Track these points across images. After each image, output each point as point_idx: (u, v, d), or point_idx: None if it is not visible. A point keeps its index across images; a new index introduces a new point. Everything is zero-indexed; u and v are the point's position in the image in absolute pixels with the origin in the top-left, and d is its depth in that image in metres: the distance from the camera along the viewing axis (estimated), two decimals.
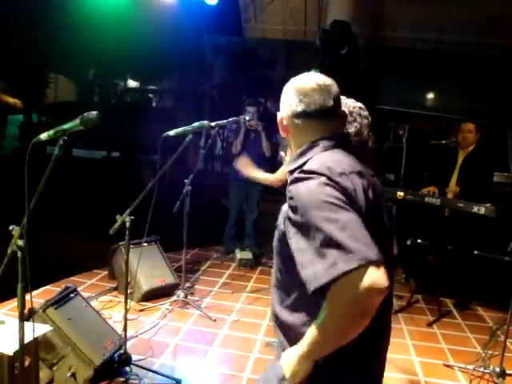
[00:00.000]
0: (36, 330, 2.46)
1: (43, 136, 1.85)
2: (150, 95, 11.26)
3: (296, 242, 1.26)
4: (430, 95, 7.61)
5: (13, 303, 3.61)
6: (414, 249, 4.94)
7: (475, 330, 4.14)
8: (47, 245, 4.94)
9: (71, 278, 4.46)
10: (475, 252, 4.55)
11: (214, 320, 3.88)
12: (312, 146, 1.43)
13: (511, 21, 6.33)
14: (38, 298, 3.77)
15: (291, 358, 1.34)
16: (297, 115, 1.45)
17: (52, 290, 4.03)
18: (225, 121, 3.67)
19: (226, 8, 6.64)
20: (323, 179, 1.27)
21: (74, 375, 2.80)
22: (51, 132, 1.82)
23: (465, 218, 4.22)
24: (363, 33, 6.35)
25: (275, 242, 1.46)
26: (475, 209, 3.94)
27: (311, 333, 1.27)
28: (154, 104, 11.38)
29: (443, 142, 4.58)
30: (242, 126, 5.16)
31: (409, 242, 4.97)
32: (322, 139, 1.43)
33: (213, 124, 3.62)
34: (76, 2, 7.13)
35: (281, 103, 1.51)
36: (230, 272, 5.07)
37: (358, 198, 1.30)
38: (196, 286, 4.61)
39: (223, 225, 5.56)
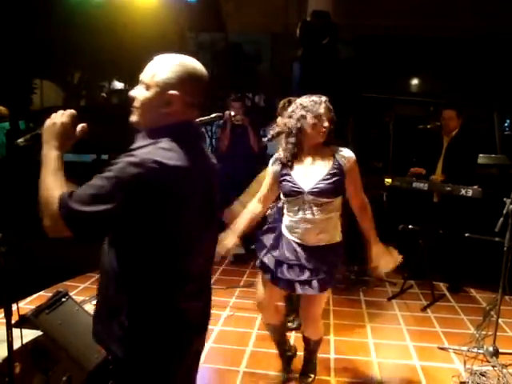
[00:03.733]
0: (27, 336, 2.47)
1: (20, 141, 1.83)
2: None
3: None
4: (415, 81, 7.63)
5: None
6: (405, 234, 4.95)
7: (469, 311, 4.18)
8: (40, 250, 4.92)
9: (65, 283, 4.45)
10: (466, 234, 4.58)
11: None
12: (163, 130, 1.50)
13: (492, 4, 6.35)
14: (31, 304, 3.77)
15: None
16: (170, 88, 1.50)
17: (46, 295, 4.00)
18: (208, 117, 3.64)
19: (206, 3, 6.63)
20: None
21: (69, 379, 2.80)
22: (28, 136, 1.80)
23: (454, 202, 4.25)
24: (346, 22, 6.34)
25: None
26: (463, 191, 3.97)
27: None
28: None
29: (428, 126, 4.61)
30: (228, 122, 5.15)
31: (400, 228, 4.98)
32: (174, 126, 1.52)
33: (197, 120, 3.61)
34: (56, 6, 7.08)
35: (154, 71, 1.53)
36: (224, 268, 5.07)
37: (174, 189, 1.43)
38: None
39: None
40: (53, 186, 1.46)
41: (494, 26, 6.60)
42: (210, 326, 3.73)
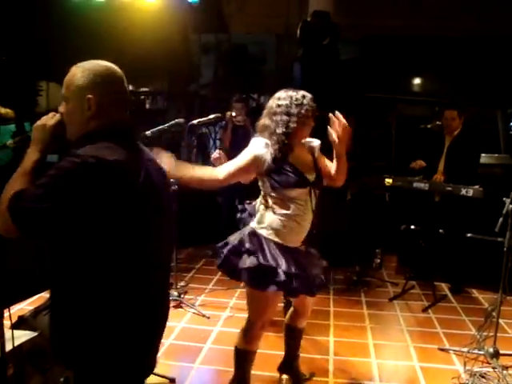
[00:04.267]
0: (23, 336, 2.48)
1: (9, 142, 1.85)
2: (142, 97, 11.23)
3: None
4: (420, 81, 7.58)
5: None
6: (407, 235, 4.93)
7: (471, 312, 4.14)
8: (41, 251, 4.96)
9: None
10: (468, 235, 4.54)
11: (208, 317, 3.89)
12: (95, 133, 1.53)
13: (496, 5, 6.31)
14: (32, 305, 3.79)
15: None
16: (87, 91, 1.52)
17: (46, 296, 4.02)
18: (206, 118, 3.66)
19: (208, 4, 6.64)
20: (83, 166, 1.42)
21: (66, 380, 2.80)
22: (17, 139, 1.82)
23: (456, 202, 4.21)
24: (351, 23, 6.31)
25: None
26: (463, 191, 3.95)
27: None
28: (147, 106, 11.34)
29: (428, 126, 4.59)
30: (230, 123, 5.15)
31: (402, 228, 4.96)
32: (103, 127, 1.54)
33: (195, 122, 3.63)
34: (61, 7, 7.12)
35: (68, 82, 1.56)
36: None
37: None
38: (190, 285, 4.61)
39: (218, 222, 5.55)
40: (14, 186, 1.49)
41: (498, 26, 6.55)
42: (209, 327, 3.77)
